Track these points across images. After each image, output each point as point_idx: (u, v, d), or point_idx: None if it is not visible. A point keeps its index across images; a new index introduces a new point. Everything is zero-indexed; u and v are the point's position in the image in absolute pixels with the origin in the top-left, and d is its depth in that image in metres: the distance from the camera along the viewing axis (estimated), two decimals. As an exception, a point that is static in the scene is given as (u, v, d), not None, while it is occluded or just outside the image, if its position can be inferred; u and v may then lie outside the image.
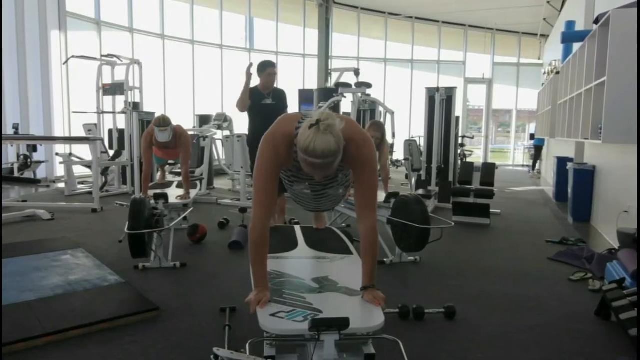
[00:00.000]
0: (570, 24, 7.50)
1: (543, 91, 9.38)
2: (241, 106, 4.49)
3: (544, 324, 2.64)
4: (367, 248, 1.85)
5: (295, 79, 13.14)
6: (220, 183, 8.62)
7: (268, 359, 1.62)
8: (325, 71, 12.93)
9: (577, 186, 5.58)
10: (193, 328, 2.51)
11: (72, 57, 7.77)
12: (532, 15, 12.75)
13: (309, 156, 1.62)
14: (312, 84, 13.09)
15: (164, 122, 4.29)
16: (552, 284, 3.34)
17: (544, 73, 10.34)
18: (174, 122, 4.51)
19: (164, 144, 4.41)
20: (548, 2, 11.12)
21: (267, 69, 4.49)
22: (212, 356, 1.61)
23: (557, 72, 7.39)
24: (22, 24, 7.78)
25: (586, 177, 5.51)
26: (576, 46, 5.66)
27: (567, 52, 7.09)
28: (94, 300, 2.79)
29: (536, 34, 14.05)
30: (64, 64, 8.40)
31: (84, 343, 2.31)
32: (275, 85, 4.69)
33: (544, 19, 12.32)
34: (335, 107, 7.51)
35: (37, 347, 2.25)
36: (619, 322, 2.40)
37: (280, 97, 4.63)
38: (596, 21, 4.32)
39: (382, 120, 7.74)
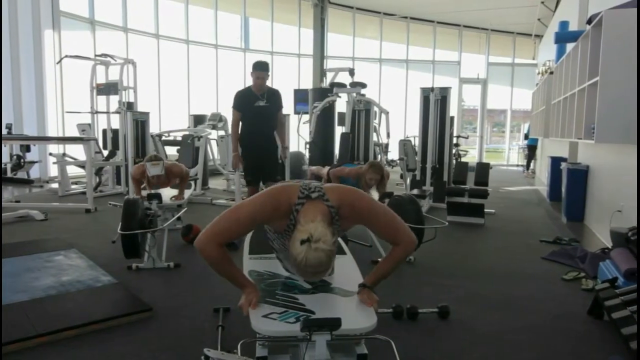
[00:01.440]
0: (563, 24, 7.53)
1: (537, 91, 9.42)
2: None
3: (537, 323, 2.65)
4: (392, 258, 1.88)
5: (290, 79, 13.13)
6: (214, 183, 8.60)
7: None
8: (320, 71, 12.92)
9: (571, 186, 5.60)
10: (186, 328, 2.50)
11: (66, 56, 7.73)
12: (526, 15, 12.80)
13: (301, 270, 1.63)
14: (308, 83, 13.08)
15: (155, 157, 4.27)
16: (546, 284, 3.35)
17: (538, 73, 10.39)
18: (168, 123, 4.50)
19: (157, 180, 4.36)
20: (542, 3, 11.17)
21: (255, 72, 4.34)
22: (202, 357, 1.61)
23: (551, 72, 7.43)
24: (15, 23, 7.74)
25: (580, 176, 5.54)
26: (570, 46, 5.69)
27: (560, 52, 7.12)
28: (87, 301, 2.77)
29: (530, 34, 14.10)
30: (57, 63, 8.35)
31: (77, 344, 2.30)
32: (270, 85, 4.56)
33: (538, 19, 12.37)
34: (330, 107, 7.52)
35: (30, 348, 2.24)
36: (612, 321, 2.42)
37: (274, 98, 4.51)
38: (589, 21, 4.34)
39: (376, 120, 7.76)
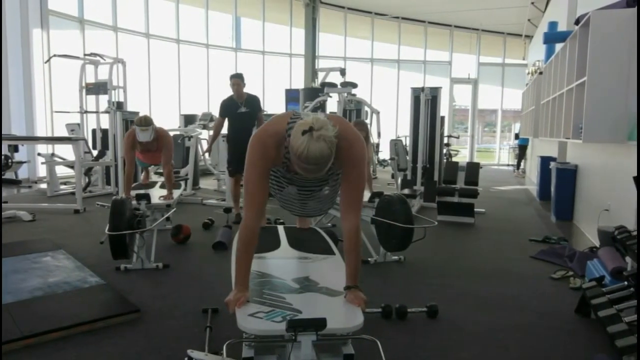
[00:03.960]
0: (552, 25, 7.58)
1: (527, 91, 9.48)
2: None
3: (526, 322, 2.66)
4: (351, 248, 1.85)
5: (282, 79, 13.12)
6: (205, 183, 8.56)
7: None
8: (311, 71, 12.92)
9: (560, 185, 5.64)
10: (174, 330, 2.48)
11: (54, 55, 7.67)
12: (516, 16, 12.88)
13: (302, 162, 1.62)
14: (299, 83, 13.08)
15: (145, 121, 4.23)
16: (534, 282, 3.37)
17: (528, 73, 10.45)
18: (159, 123, 4.48)
19: (146, 146, 4.34)
20: (532, 3, 11.24)
21: (231, 79, 5.24)
22: (185, 358, 1.60)
23: (541, 73, 7.47)
24: (2, 22, 7.65)
25: (568, 176, 5.58)
26: (558, 47, 5.73)
27: (549, 52, 7.17)
28: (74, 303, 2.75)
29: (521, 35, 14.19)
30: (45, 62, 8.28)
31: (63, 346, 2.27)
32: (248, 92, 5.32)
33: (529, 20, 12.44)
34: (321, 107, 7.52)
35: (15, 350, 2.21)
36: (598, 319, 2.43)
37: (253, 104, 5.31)
38: (577, 22, 4.37)
39: (367, 120, 7.77)
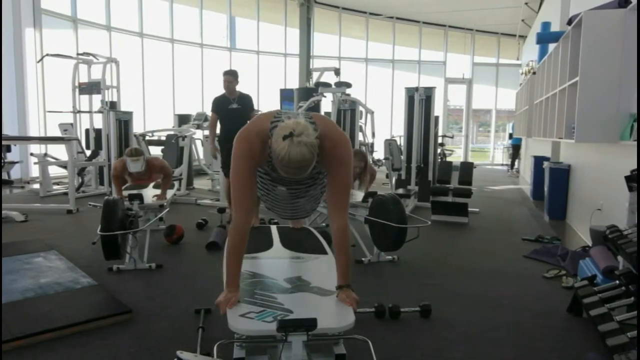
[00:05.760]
0: (545, 25, 7.61)
1: (521, 91, 9.52)
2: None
3: (518, 321, 2.67)
4: (340, 248, 1.86)
5: (276, 78, 13.10)
6: (200, 183, 8.54)
7: None
8: (306, 70, 12.91)
9: (553, 185, 5.66)
10: (166, 330, 2.47)
11: (47, 55, 7.62)
12: (510, 16, 12.92)
13: (284, 165, 1.64)
14: (294, 83, 13.06)
15: (136, 152, 4.18)
16: (527, 282, 3.38)
17: (522, 73, 10.49)
18: (154, 123, 4.45)
19: (138, 176, 4.31)
20: (526, 4, 11.28)
21: (224, 76, 5.22)
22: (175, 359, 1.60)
23: (534, 73, 7.50)
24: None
25: (561, 175, 5.60)
26: (552, 47, 5.75)
27: (543, 52, 7.20)
28: (65, 304, 2.73)
29: (515, 35, 14.24)
30: (38, 62, 8.23)
31: (54, 347, 2.26)
32: (241, 91, 5.30)
33: (522, 20, 12.49)
34: (316, 107, 7.51)
35: (5, 352, 2.20)
36: (590, 318, 2.44)
37: (245, 102, 5.27)
38: (569, 22, 4.39)
39: (362, 119, 7.77)
